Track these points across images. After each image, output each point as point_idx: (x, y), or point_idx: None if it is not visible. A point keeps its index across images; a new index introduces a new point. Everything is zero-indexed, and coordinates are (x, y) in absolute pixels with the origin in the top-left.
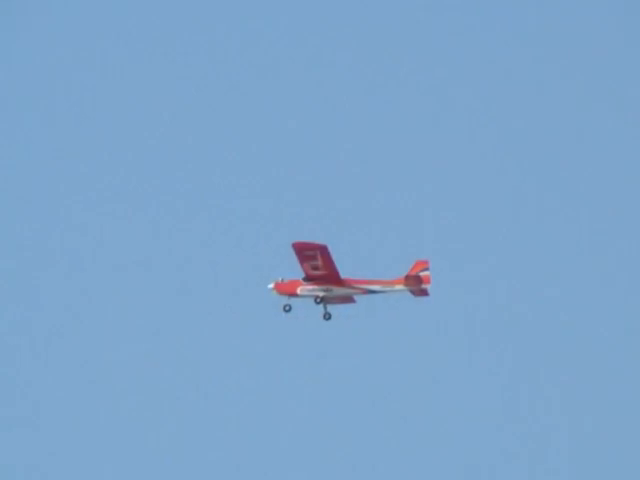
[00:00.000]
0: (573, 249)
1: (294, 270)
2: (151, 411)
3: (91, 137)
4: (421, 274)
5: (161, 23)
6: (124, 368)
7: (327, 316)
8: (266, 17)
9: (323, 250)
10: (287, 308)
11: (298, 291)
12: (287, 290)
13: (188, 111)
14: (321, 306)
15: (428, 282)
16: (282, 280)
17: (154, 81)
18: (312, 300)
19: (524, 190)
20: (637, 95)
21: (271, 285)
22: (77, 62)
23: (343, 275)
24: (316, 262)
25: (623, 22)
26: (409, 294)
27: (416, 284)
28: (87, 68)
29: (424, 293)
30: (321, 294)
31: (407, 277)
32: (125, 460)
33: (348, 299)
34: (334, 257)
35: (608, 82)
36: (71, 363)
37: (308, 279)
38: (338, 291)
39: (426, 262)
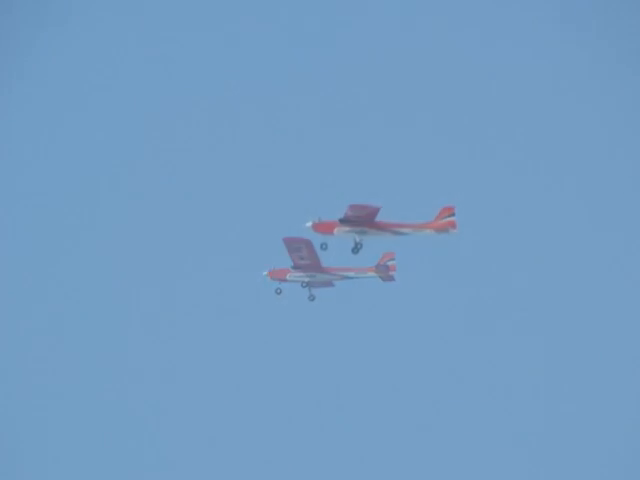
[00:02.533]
0: (541, 239)
1: (284, 260)
2: (152, 386)
3: (89, 136)
4: (388, 264)
5: (166, 29)
6: (127, 351)
7: (311, 297)
8: (262, 17)
9: (308, 244)
10: (278, 291)
11: (287, 277)
12: (278, 276)
13: (187, 113)
14: (306, 289)
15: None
16: (274, 268)
17: (153, 84)
18: (299, 284)
19: (493, 184)
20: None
21: (266, 272)
22: (91, 68)
23: (324, 264)
24: (302, 253)
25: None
26: (378, 280)
27: (384, 272)
28: (96, 71)
29: (390, 279)
30: (306, 279)
31: (377, 266)
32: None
33: (328, 283)
34: (316, 250)
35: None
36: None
37: (295, 267)
38: (320, 277)
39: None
